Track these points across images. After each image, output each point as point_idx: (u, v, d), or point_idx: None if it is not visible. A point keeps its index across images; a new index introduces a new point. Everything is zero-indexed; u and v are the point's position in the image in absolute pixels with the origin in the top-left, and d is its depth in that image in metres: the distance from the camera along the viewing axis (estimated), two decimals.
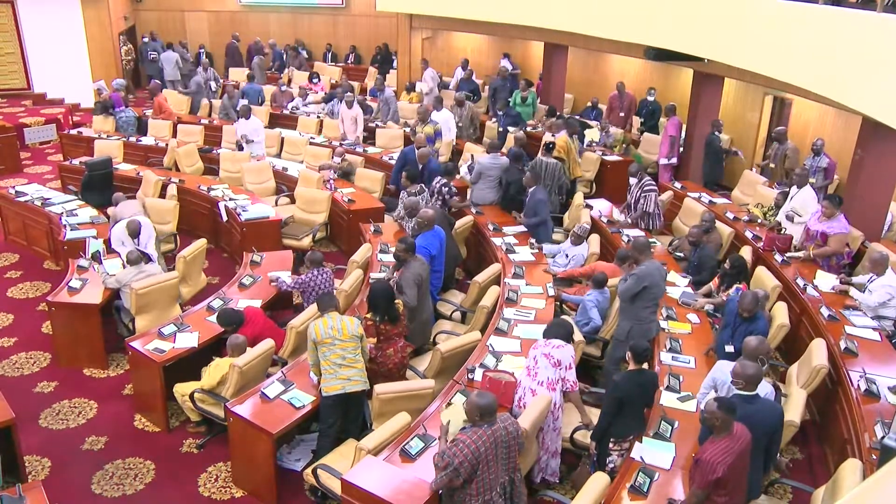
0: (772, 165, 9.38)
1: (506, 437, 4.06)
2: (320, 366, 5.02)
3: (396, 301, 5.43)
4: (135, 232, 7.12)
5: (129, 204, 7.81)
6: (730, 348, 5.35)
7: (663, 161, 10.19)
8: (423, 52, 14.25)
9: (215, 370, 5.45)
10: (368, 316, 5.35)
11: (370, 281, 6.47)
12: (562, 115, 11.29)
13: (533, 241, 7.60)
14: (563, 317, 5.74)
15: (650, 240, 7.72)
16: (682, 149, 10.38)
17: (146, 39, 15.74)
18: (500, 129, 11.07)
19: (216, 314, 6.03)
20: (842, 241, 6.92)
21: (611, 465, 4.73)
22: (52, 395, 6.20)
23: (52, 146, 12.88)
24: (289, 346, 5.95)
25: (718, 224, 7.76)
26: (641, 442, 4.55)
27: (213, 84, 13.16)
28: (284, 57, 16.27)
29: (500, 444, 4.03)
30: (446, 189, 8.13)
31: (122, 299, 6.63)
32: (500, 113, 11.49)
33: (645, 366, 4.80)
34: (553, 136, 9.49)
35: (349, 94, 11.54)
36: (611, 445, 4.74)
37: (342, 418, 5.12)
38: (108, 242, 7.46)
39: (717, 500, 3.90)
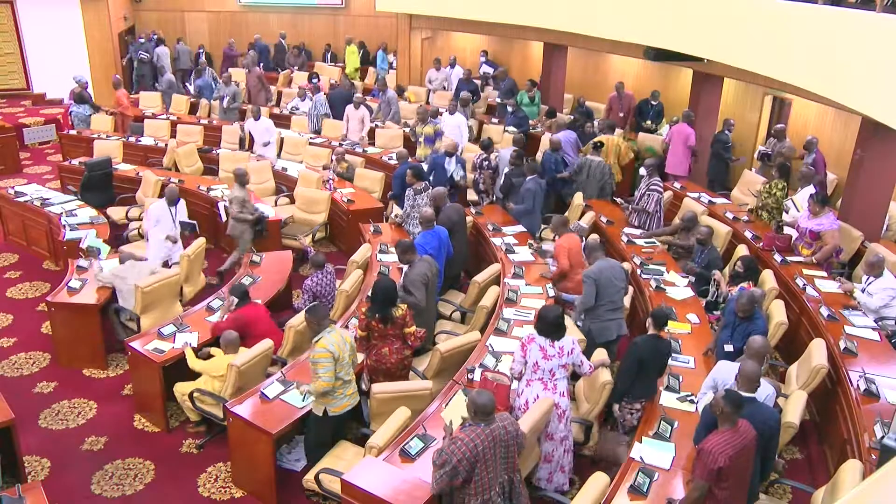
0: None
1: (504, 437, 4.05)
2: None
3: (399, 305, 5.35)
4: (173, 199, 7.37)
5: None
6: (729, 347, 5.35)
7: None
8: (423, 52, 14.24)
9: (214, 364, 5.47)
10: (364, 310, 5.35)
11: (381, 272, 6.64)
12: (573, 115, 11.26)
13: (532, 241, 7.60)
14: (550, 306, 5.52)
15: (651, 240, 7.74)
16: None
17: (142, 40, 15.71)
18: (505, 129, 11.10)
19: (233, 285, 6.22)
20: (835, 235, 6.97)
21: (621, 421, 5.12)
22: (52, 396, 6.20)
23: (51, 146, 12.89)
24: (287, 346, 5.95)
25: (718, 224, 7.78)
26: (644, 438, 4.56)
27: (210, 84, 13.15)
28: (273, 53, 16.16)
29: (498, 444, 4.02)
30: (486, 163, 8.67)
31: (119, 300, 6.61)
32: (511, 111, 11.43)
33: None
34: (551, 136, 9.53)
35: (357, 94, 11.58)
36: (623, 404, 5.08)
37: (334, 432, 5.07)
38: (108, 241, 7.47)
39: (718, 494, 3.91)
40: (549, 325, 4.84)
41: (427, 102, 13.15)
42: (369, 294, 5.45)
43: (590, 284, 5.82)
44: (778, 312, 6.03)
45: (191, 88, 13.35)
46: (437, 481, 3.97)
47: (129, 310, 6.51)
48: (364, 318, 5.27)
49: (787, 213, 7.64)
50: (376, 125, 11.54)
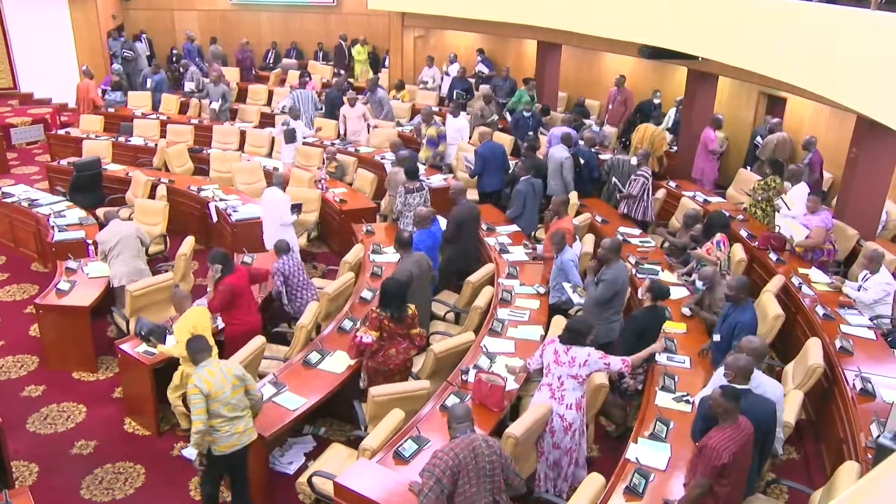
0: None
1: (487, 451, 3.91)
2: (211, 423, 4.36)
3: (409, 305, 5.28)
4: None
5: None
6: (716, 337, 5.38)
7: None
8: (416, 50, 14.17)
9: (178, 334, 5.31)
10: (376, 308, 5.29)
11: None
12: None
13: (526, 241, 7.56)
14: (581, 318, 5.45)
15: (646, 239, 7.72)
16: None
17: (123, 38, 15.56)
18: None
19: (210, 254, 5.90)
20: (821, 233, 6.97)
21: (624, 386, 5.41)
22: (40, 399, 6.11)
23: (39, 146, 12.75)
24: (297, 346, 5.88)
25: None
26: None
27: (165, 80, 13.19)
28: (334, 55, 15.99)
29: (480, 456, 3.89)
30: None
31: (117, 300, 6.52)
32: (528, 115, 10.88)
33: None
34: (585, 131, 9.59)
35: (350, 91, 11.52)
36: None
37: (227, 475, 4.69)
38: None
39: (719, 491, 3.90)
40: (574, 335, 4.71)
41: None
42: (379, 291, 5.35)
43: (609, 290, 5.73)
44: (773, 306, 6.00)
45: (149, 84, 13.29)
46: (423, 502, 3.79)
47: (123, 309, 6.42)
48: (376, 317, 5.20)
49: (778, 211, 7.64)
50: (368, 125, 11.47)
